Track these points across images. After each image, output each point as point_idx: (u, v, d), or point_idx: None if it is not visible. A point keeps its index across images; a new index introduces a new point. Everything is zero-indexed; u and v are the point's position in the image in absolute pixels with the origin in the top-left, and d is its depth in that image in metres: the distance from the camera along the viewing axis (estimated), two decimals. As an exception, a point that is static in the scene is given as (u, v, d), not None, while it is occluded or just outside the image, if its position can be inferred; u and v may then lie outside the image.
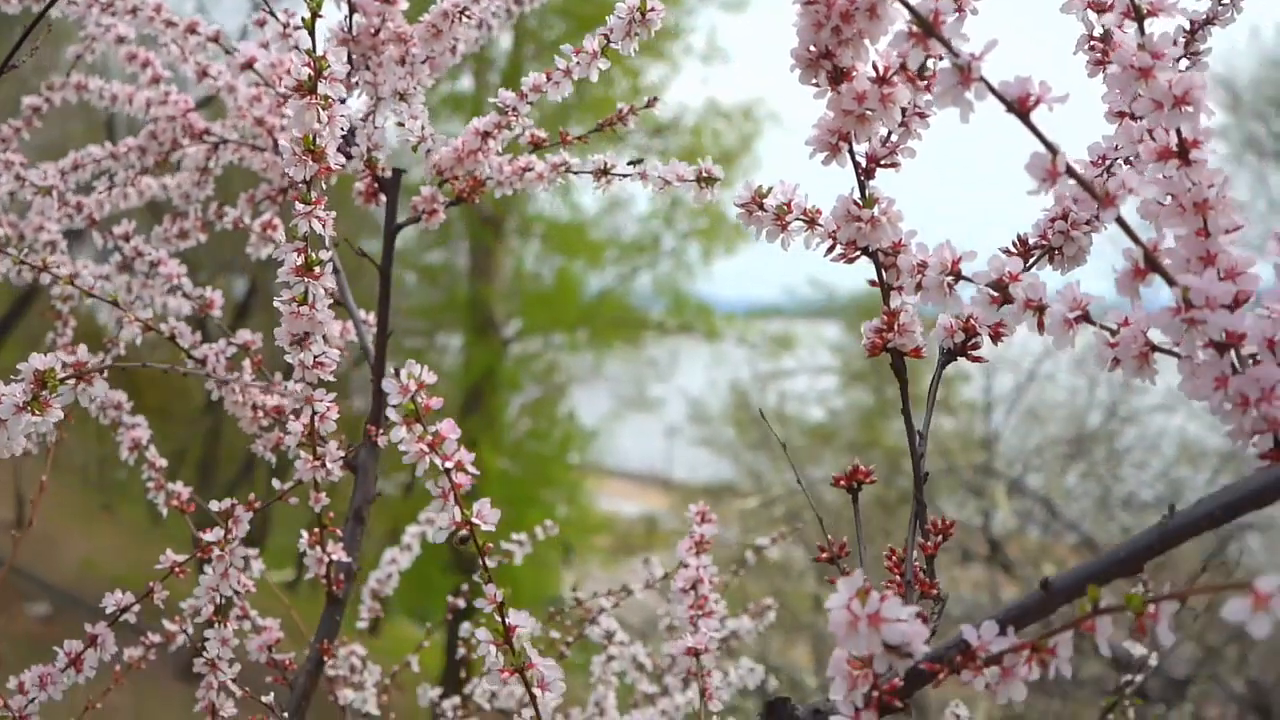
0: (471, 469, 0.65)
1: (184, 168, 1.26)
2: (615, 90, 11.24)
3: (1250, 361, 0.54)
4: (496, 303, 11.57)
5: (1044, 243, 0.71)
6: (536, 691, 0.67)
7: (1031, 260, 0.71)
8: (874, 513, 7.98)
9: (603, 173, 0.96)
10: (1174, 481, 6.87)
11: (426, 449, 0.64)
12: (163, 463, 1.14)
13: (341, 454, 0.93)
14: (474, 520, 0.65)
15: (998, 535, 6.00)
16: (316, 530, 0.99)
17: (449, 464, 0.64)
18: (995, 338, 0.70)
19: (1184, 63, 0.74)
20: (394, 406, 0.63)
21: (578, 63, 0.90)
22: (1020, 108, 0.52)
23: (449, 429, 0.65)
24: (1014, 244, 0.72)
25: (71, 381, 0.68)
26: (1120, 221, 0.53)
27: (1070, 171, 0.52)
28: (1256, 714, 5.90)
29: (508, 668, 0.67)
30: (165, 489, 1.11)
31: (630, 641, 1.42)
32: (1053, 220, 0.71)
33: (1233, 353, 0.55)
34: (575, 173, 0.98)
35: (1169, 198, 0.56)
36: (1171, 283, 0.53)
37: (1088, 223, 0.70)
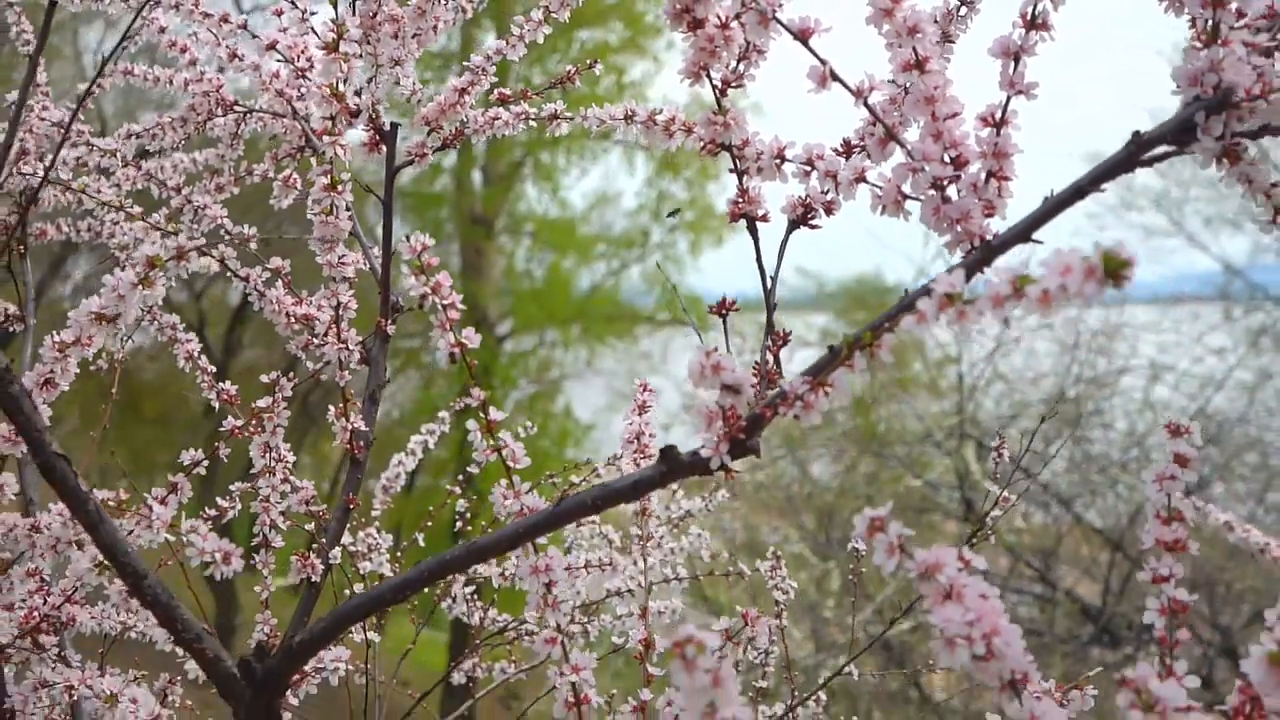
0: (459, 305, 0.93)
1: (218, 136, 1.55)
2: (600, 87, 11.56)
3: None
4: (489, 301, 11.85)
5: (861, 143, 0.99)
6: (510, 464, 0.95)
7: (854, 155, 0.99)
8: (862, 484, 8.31)
9: (554, 117, 1.24)
10: (1145, 444, 7.17)
11: (429, 291, 0.92)
12: (213, 369, 1.42)
13: (360, 339, 1.22)
14: (464, 340, 0.94)
15: (973, 496, 6.30)
16: (341, 405, 1.27)
17: (445, 301, 0.92)
18: (828, 211, 0.98)
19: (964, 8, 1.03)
20: (406, 261, 0.91)
21: (528, 29, 1.19)
22: (803, 36, 0.81)
23: (445, 279, 0.93)
24: (841, 144, 1.00)
25: (173, 261, 0.96)
26: (868, 107, 0.81)
27: (834, 76, 0.80)
28: (1225, 657, 6.20)
29: (489, 448, 0.95)
30: (216, 388, 1.39)
31: (602, 522, 1.71)
32: (866, 125, 0.99)
33: (954, 192, 0.83)
34: (534, 120, 1.26)
35: (907, 95, 0.84)
36: (902, 146, 0.81)
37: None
